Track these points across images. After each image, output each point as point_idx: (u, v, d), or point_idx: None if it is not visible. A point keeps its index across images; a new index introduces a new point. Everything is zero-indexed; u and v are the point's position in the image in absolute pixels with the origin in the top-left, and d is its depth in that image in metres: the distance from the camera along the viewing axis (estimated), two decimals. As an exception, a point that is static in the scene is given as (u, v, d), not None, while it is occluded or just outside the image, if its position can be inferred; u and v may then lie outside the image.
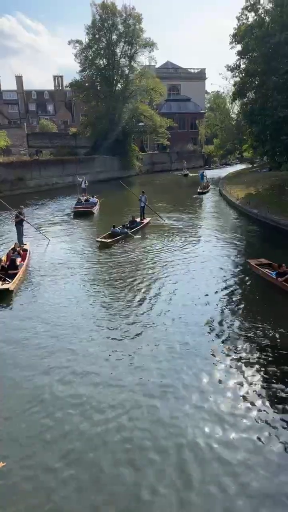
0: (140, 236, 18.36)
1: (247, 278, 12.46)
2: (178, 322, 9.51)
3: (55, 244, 17.37)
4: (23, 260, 13.65)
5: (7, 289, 11.03)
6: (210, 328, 9.18)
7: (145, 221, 20.45)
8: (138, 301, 10.82)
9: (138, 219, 20.01)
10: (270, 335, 8.71)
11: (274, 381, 7.11)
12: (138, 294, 11.26)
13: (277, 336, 8.63)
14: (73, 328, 9.26)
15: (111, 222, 19.27)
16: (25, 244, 15.89)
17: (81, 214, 23.82)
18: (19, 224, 16.48)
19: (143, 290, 11.50)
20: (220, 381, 7.14)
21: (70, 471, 5.29)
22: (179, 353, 8.09)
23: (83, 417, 6.28)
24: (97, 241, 16.57)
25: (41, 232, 18.05)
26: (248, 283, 12.11)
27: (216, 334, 8.91)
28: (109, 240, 16.56)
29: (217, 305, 10.45)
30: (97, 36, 47.72)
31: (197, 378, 7.23)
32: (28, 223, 17.57)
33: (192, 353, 8.05)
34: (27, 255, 14.42)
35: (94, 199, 26.35)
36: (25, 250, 14.89)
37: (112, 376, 7.33)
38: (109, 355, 8.05)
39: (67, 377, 7.32)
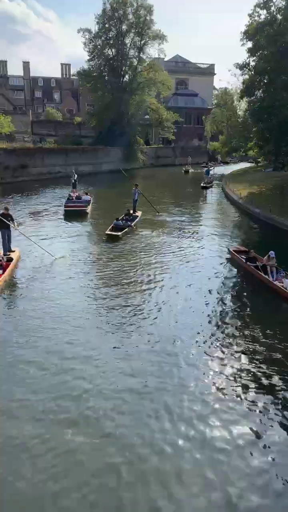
0: (141, 230, 18.33)
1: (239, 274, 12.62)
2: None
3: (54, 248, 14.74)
4: (3, 272, 11.35)
5: None
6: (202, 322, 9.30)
7: (138, 214, 20.56)
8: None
9: (132, 212, 20.14)
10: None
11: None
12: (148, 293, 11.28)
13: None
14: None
15: (106, 222, 18.59)
16: (13, 251, 13.19)
17: (73, 213, 20.90)
18: (3, 228, 13.13)
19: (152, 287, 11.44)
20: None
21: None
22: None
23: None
24: (106, 234, 16.57)
25: (45, 249, 13.91)
26: (239, 279, 12.29)
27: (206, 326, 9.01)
28: (119, 233, 16.61)
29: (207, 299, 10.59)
30: (107, 25, 47.27)
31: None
32: (17, 229, 14.14)
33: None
34: (11, 266, 11.96)
35: (87, 196, 23.47)
36: (10, 260, 12.30)
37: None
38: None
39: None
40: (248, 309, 10.21)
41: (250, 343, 8.40)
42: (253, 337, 8.66)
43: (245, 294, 11.21)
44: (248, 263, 12.61)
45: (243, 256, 13.26)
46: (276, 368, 7.52)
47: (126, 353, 7.91)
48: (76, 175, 28.25)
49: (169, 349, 8.06)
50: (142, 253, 14.78)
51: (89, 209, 21.91)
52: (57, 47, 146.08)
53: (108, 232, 16.68)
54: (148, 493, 4.94)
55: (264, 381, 7.18)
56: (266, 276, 11.43)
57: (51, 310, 9.67)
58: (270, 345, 8.36)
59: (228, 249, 14.75)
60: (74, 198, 23.22)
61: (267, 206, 21.37)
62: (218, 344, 8.38)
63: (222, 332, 8.92)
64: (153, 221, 20.61)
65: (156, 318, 9.47)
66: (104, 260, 13.78)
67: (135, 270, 12.82)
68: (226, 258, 14.29)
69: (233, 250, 14.20)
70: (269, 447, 5.73)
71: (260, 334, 8.79)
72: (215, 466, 5.32)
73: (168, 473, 5.22)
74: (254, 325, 9.19)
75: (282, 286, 10.73)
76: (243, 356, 7.88)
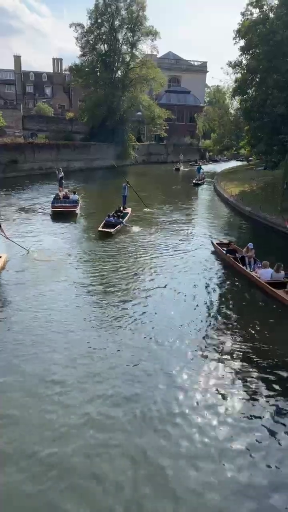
0: (132, 227, 18.30)
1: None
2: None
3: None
4: None
5: None
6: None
7: (128, 210, 20.52)
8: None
9: (122, 209, 20.07)
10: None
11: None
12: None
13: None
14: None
15: (98, 219, 18.39)
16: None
17: (61, 214, 19.71)
18: None
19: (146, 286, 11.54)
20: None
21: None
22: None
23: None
24: (99, 230, 16.54)
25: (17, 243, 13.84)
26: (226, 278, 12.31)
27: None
28: (111, 230, 16.56)
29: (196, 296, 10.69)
30: (99, 20, 46.83)
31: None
32: (7, 238, 13.55)
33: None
34: None
35: (75, 195, 21.84)
36: None
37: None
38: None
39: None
40: (227, 296, 11.09)
41: (224, 326, 9.26)
42: (227, 322, 9.45)
43: (225, 283, 11.99)
44: (228, 254, 13.45)
45: (224, 248, 14.18)
46: (248, 349, 8.22)
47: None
48: (62, 173, 26.75)
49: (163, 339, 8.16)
50: (133, 250, 14.80)
51: (78, 209, 20.49)
52: (49, 41, 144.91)
53: (100, 229, 16.65)
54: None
55: (238, 363, 7.76)
56: (244, 267, 12.26)
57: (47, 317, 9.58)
58: (243, 328, 9.17)
59: (212, 242, 15.60)
60: (61, 197, 21.80)
61: (258, 204, 21.49)
62: (196, 328, 9.12)
63: (200, 318, 9.61)
64: (143, 217, 20.62)
65: (146, 306, 9.91)
66: (98, 258, 13.72)
67: (126, 266, 12.83)
68: (211, 251, 15.05)
69: (216, 243, 15.14)
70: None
71: (235, 319, 9.60)
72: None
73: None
74: (230, 311, 10.04)
75: (256, 276, 11.47)
76: (214, 334, 8.83)
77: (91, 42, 48.00)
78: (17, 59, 74.08)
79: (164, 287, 11.30)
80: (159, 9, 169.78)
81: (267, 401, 6.71)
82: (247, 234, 19.05)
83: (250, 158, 49.82)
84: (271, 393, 6.90)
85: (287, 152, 22.06)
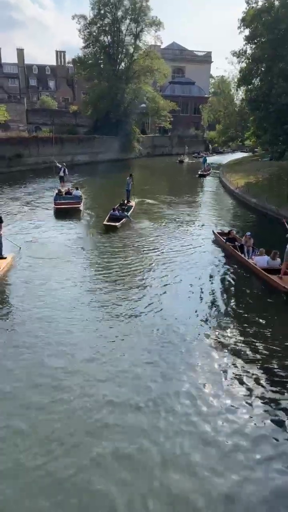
0: (137, 220, 18.28)
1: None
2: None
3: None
4: None
5: None
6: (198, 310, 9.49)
7: (133, 204, 20.42)
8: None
9: (126, 202, 19.99)
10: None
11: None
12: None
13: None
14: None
15: (103, 214, 18.17)
16: (4, 257, 11.93)
17: (65, 212, 18.84)
18: None
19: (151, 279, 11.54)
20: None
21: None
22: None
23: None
24: (104, 224, 16.47)
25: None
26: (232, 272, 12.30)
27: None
28: (117, 224, 16.51)
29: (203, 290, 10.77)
30: (102, 11, 46.36)
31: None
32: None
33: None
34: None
35: (77, 191, 21.00)
36: None
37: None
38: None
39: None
40: (225, 282, 11.47)
41: (223, 312, 9.57)
42: (225, 308, 9.80)
43: (225, 271, 12.35)
44: (227, 243, 13.97)
45: (224, 237, 14.66)
46: (248, 339, 8.34)
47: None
48: (64, 168, 25.73)
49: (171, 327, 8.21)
50: (138, 243, 14.81)
51: (81, 206, 19.60)
52: (52, 34, 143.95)
53: (105, 222, 16.60)
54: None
55: (237, 350, 7.91)
56: (242, 255, 12.79)
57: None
58: (239, 314, 9.48)
59: (213, 231, 16.13)
60: (63, 193, 20.97)
61: (264, 195, 21.33)
62: (199, 315, 9.38)
63: (201, 307, 9.87)
64: (148, 210, 20.58)
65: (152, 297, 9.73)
66: (104, 252, 13.69)
67: (131, 260, 12.87)
68: (212, 240, 15.55)
69: (217, 232, 15.74)
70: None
71: (233, 305, 9.95)
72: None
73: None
74: (228, 297, 10.44)
75: (253, 263, 11.91)
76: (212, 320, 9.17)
77: (94, 33, 47.66)
78: (20, 52, 73.73)
79: (168, 277, 11.51)
80: (161, 3, 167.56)
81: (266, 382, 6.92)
82: (252, 226, 18.94)
83: (256, 149, 49.43)
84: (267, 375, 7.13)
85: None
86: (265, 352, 7.83)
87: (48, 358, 7.35)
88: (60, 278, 11.14)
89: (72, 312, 9.23)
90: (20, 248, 13.36)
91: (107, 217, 17.20)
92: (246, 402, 6.44)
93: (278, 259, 11.63)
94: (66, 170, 25.96)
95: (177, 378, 6.93)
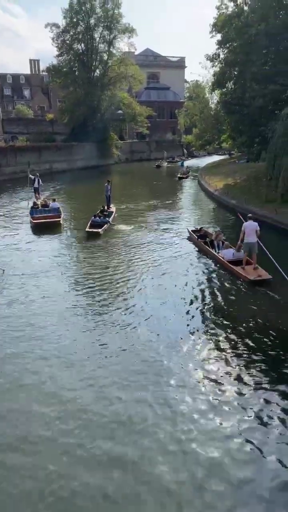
0: (117, 226, 18.25)
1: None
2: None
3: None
4: None
5: None
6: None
7: (113, 209, 20.49)
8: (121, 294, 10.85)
9: (106, 208, 20.00)
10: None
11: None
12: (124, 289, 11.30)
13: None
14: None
15: (83, 224, 17.88)
16: None
17: (44, 227, 17.48)
18: None
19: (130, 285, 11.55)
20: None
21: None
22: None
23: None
24: (87, 231, 16.36)
25: None
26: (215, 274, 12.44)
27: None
28: (99, 230, 16.47)
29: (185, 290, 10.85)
30: (74, 19, 46.56)
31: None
32: None
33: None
34: None
35: (55, 203, 19.73)
36: None
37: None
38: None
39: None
40: (198, 275, 12.17)
41: (194, 303, 10.19)
42: (199, 299, 10.45)
43: (197, 265, 13.13)
44: (199, 239, 14.86)
45: (197, 234, 15.60)
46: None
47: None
48: (38, 178, 23.69)
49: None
50: (121, 248, 14.80)
51: (61, 219, 18.39)
52: (25, 42, 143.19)
53: (88, 229, 16.52)
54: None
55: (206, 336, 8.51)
56: (212, 250, 13.64)
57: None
58: (210, 303, 10.25)
59: (187, 229, 16.68)
60: (39, 206, 19.77)
61: (243, 197, 21.63)
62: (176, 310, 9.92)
63: (177, 301, 10.38)
64: (130, 215, 20.60)
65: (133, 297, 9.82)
66: (89, 261, 13.51)
67: (115, 265, 12.86)
68: (187, 237, 16.14)
69: (191, 230, 16.35)
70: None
71: (206, 295, 10.70)
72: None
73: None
74: (200, 289, 11.10)
75: (221, 257, 12.82)
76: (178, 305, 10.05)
77: (67, 42, 47.78)
78: (-7, 61, 73.05)
79: (150, 279, 11.82)
80: (133, 2, 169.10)
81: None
82: (232, 226, 19.14)
83: (232, 152, 50.20)
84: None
85: (268, 144, 22.26)
86: (234, 332, 8.69)
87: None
88: (47, 293, 10.74)
89: (59, 329, 8.84)
90: (3, 270, 12.46)
91: (89, 223, 17.13)
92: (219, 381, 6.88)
93: (242, 251, 12.37)
94: (40, 181, 23.92)
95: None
